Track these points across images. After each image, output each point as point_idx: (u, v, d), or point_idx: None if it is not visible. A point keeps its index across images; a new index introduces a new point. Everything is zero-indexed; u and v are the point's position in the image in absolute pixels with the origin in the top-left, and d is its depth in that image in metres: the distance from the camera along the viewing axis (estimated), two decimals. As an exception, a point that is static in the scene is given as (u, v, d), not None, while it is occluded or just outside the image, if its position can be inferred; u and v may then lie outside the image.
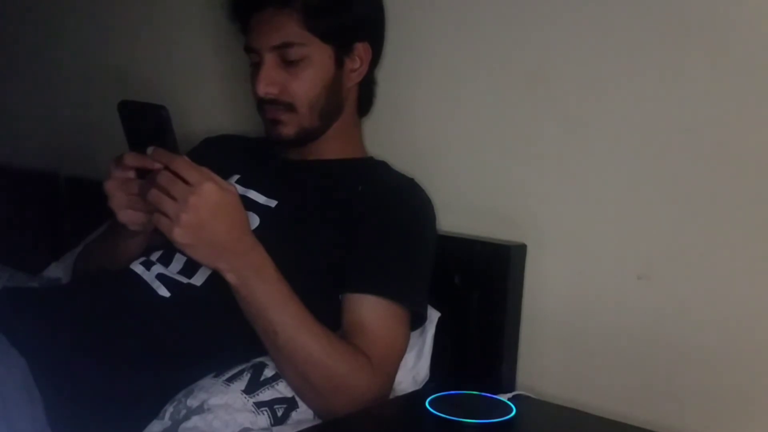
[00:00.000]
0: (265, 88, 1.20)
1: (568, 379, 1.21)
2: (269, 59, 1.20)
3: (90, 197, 1.82)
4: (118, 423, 0.99)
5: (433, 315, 1.23)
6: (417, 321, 1.18)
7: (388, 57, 1.34)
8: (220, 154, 1.33)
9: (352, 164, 1.29)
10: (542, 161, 1.23)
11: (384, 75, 1.35)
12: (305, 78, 1.20)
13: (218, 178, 0.99)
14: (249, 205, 1.19)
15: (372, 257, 1.14)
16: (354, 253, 1.14)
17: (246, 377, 1.04)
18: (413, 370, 1.20)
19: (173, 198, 0.96)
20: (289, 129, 1.22)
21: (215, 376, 1.05)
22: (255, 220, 1.17)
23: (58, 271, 1.60)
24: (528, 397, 1.14)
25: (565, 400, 1.17)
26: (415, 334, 1.20)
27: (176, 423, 0.97)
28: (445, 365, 1.23)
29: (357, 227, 1.16)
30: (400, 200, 1.22)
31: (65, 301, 1.11)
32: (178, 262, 1.15)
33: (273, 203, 1.21)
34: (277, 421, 1.03)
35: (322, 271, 1.14)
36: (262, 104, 1.22)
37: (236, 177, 1.25)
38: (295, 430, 1.01)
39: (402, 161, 1.33)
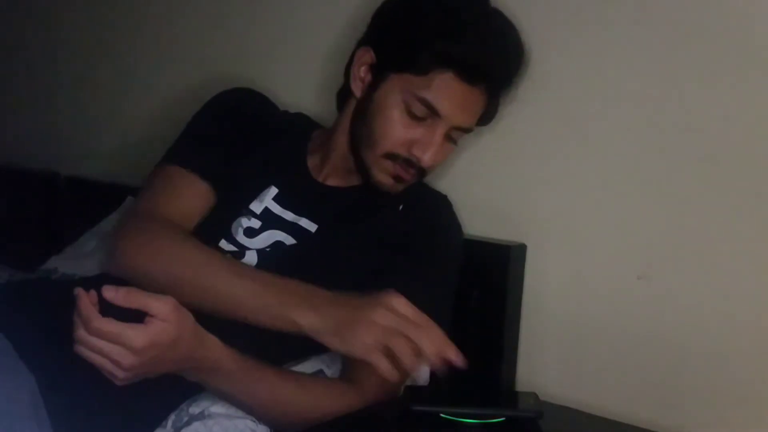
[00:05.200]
0: (433, 162, 1.15)
1: (568, 379, 1.21)
2: (444, 132, 1.15)
3: (90, 197, 1.84)
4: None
5: (434, 315, 1.22)
6: None
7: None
8: (255, 150, 1.24)
9: None
10: (542, 161, 1.23)
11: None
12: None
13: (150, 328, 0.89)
14: (285, 226, 1.18)
15: (402, 286, 1.07)
16: (386, 279, 1.10)
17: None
18: (413, 370, 1.20)
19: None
20: (404, 187, 1.20)
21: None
22: (289, 240, 1.16)
23: (56, 262, 1.58)
24: (528, 397, 1.14)
25: (565, 399, 1.17)
26: (415, 334, 1.19)
27: (177, 430, 0.97)
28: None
29: (394, 254, 1.15)
30: (438, 226, 1.21)
31: (69, 306, 1.10)
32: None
33: (313, 227, 1.18)
34: (277, 429, 1.03)
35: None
36: (397, 159, 1.15)
37: (274, 192, 1.21)
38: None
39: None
